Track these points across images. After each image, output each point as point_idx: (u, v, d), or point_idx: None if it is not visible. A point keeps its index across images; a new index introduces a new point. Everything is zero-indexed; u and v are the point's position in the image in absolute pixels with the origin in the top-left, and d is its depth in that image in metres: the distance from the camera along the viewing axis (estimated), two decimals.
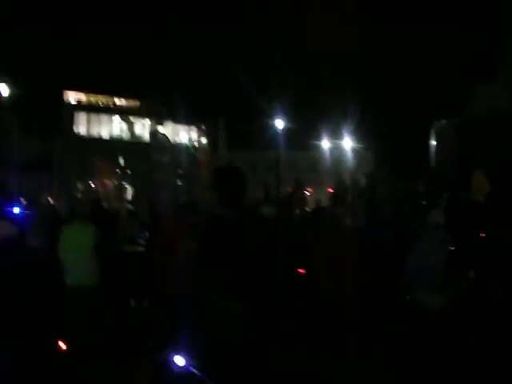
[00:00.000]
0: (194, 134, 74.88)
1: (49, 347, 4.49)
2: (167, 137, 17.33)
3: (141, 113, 74.35)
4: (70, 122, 69.53)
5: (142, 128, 75.08)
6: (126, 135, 75.06)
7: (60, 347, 4.64)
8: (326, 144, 45.58)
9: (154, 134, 18.29)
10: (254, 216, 6.32)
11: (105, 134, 73.19)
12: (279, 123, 44.25)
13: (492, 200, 10.90)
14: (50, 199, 28.86)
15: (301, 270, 11.35)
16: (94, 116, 72.96)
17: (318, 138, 47.39)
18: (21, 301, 4.25)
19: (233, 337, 4.95)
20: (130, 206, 27.88)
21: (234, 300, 4.94)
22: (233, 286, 4.99)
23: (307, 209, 17.86)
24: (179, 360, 5.20)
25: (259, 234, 5.44)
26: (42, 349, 4.41)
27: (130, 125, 75.58)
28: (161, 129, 67.71)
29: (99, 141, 68.18)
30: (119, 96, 74.62)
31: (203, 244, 5.35)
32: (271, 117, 44.34)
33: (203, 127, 65.20)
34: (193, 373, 5.11)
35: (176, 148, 52.15)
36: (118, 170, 52.08)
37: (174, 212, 11.84)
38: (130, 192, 63.24)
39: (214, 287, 5.00)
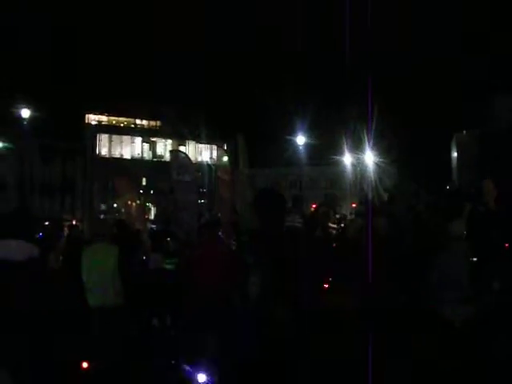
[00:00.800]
0: (216, 153, 75.17)
1: (71, 367, 4.50)
2: (188, 156, 17.44)
3: (162, 133, 74.72)
4: (92, 143, 70.00)
5: (164, 148, 75.44)
6: (147, 155, 75.49)
7: (82, 366, 4.66)
8: (347, 159, 45.10)
9: (174, 153, 18.52)
10: (290, 233, 6.90)
11: (127, 155, 73.60)
12: (300, 139, 44.03)
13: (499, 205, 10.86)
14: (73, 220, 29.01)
15: (325, 285, 11.30)
16: (115, 137, 73.41)
17: (340, 153, 47.00)
18: (43, 322, 4.23)
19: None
20: (153, 226, 27.93)
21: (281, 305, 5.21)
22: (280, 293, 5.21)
23: (331, 224, 17.80)
24: (201, 377, 5.24)
25: (296, 249, 5.81)
26: (65, 369, 4.42)
27: (152, 145, 76.02)
28: (182, 148, 67.93)
29: (121, 161, 68.51)
30: (140, 117, 75.11)
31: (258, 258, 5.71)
32: (292, 133, 44.22)
33: (224, 146, 65.43)
34: None
35: (198, 167, 52.31)
36: (140, 190, 52.30)
37: (198, 230, 11.90)
38: (153, 211, 63.50)
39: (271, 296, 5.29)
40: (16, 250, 4.11)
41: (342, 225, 18.44)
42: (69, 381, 4.47)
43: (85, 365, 4.72)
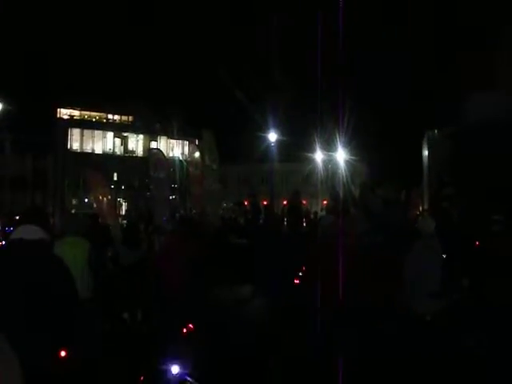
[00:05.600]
0: (188, 149, 74.97)
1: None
2: (163, 153, 17.59)
3: (134, 128, 74.40)
4: (64, 137, 69.51)
5: (136, 143, 75.15)
6: (119, 150, 75.10)
7: (60, 354, 4.72)
8: (319, 156, 45.17)
9: (150, 150, 18.77)
10: None
11: (98, 150, 73.20)
12: (272, 136, 43.85)
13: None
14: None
15: (296, 281, 11.36)
16: (87, 132, 72.96)
17: (311, 151, 46.99)
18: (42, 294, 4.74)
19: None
20: (124, 221, 27.88)
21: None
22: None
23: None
24: (175, 369, 5.26)
25: None
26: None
27: (124, 140, 75.63)
28: (154, 144, 67.65)
29: (92, 156, 68.12)
30: (112, 112, 74.68)
31: None
32: (264, 129, 44.02)
33: (196, 141, 65.33)
34: (188, 381, 5.17)
35: (170, 163, 52.24)
36: (111, 186, 52.13)
37: (173, 225, 12.03)
38: (124, 207, 63.27)
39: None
40: (31, 232, 5.15)
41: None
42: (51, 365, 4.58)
43: (63, 353, 4.77)
